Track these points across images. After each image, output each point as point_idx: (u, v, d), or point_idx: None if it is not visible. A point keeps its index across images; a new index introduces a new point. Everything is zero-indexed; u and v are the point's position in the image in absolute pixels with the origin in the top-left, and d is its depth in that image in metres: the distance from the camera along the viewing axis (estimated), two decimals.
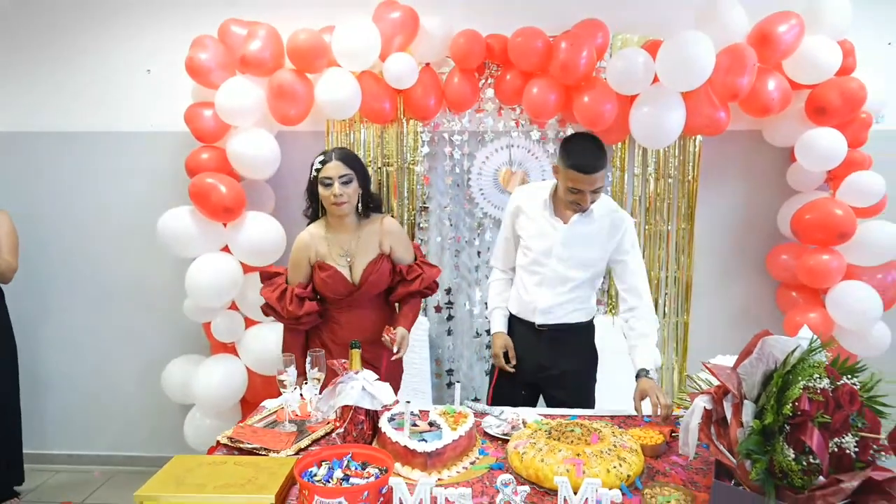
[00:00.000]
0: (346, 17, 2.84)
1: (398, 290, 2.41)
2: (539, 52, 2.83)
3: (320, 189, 2.28)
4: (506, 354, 2.37)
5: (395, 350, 2.29)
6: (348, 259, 2.33)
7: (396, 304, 2.51)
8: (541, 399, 2.49)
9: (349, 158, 2.28)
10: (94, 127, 3.39)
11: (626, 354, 2.49)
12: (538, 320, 2.32)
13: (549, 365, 2.34)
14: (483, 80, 3.13)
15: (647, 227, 3.23)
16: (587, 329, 2.41)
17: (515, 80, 2.96)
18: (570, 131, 3.15)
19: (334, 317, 2.39)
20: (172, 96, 3.22)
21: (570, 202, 2.18)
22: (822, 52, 2.70)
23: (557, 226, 2.25)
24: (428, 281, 2.42)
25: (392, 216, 2.50)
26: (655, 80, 2.77)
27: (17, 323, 3.13)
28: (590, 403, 2.40)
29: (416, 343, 3.25)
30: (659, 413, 1.97)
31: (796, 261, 2.90)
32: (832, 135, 2.74)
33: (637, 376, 2.15)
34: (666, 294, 3.28)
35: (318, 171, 2.27)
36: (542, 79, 2.88)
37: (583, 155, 2.09)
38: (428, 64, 3.04)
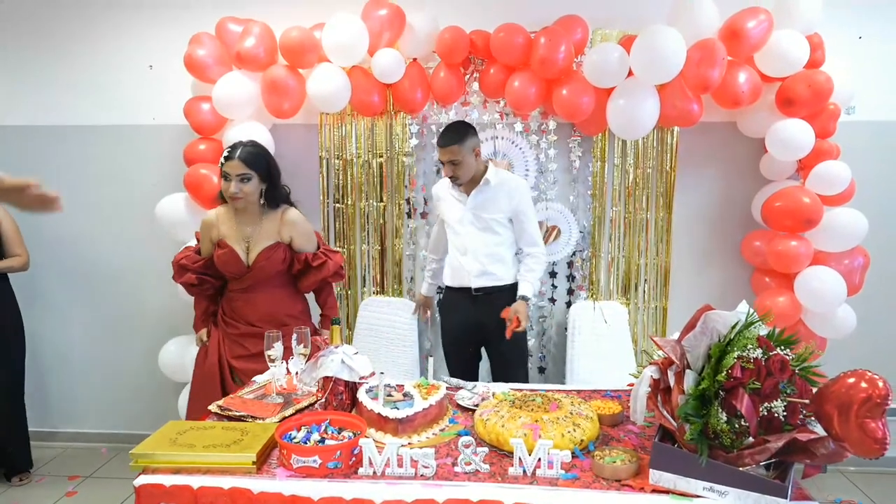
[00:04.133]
0: (335, 15, 2.98)
1: (309, 278, 2.62)
2: (520, 48, 2.96)
3: (223, 182, 2.47)
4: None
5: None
6: (247, 243, 2.53)
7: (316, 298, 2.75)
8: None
9: (251, 159, 2.45)
10: (99, 121, 3.55)
11: (598, 337, 2.80)
12: (473, 284, 2.84)
13: (487, 322, 2.80)
14: (468, 75, 3.26)
15: (626, 215, 3.36)
16: (513, 289, 2.84)
17: (498, 74, 3.09)
18: (551, 123, 3.28)
19: (233, 294, 2.61)
20: (173, 91, 3.37)
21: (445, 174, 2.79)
22: (790, 46, 2.80)
23: (463, 199, 2.84)
24: (335, 267, 2.64)
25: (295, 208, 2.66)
26: (631, 73, 2.89)
27: (26, 310, 3.31)
28: (524, 353, 2.99)
29: (404, 328, 3.40)
30: (509, 322, 2.62)
31: (767, 246, 3.01)
32: (800, 126, 2.85)
33: (517, 299, 2.74)
34: (645, 281, 3.40)
35: (221, 164, 2.46)
36: (523, 73, 3.00)
37: (441, 134, 2.74)
38: (415, 59, 3.17)
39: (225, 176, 2.46)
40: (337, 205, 3.46)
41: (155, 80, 3.48)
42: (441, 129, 2.79)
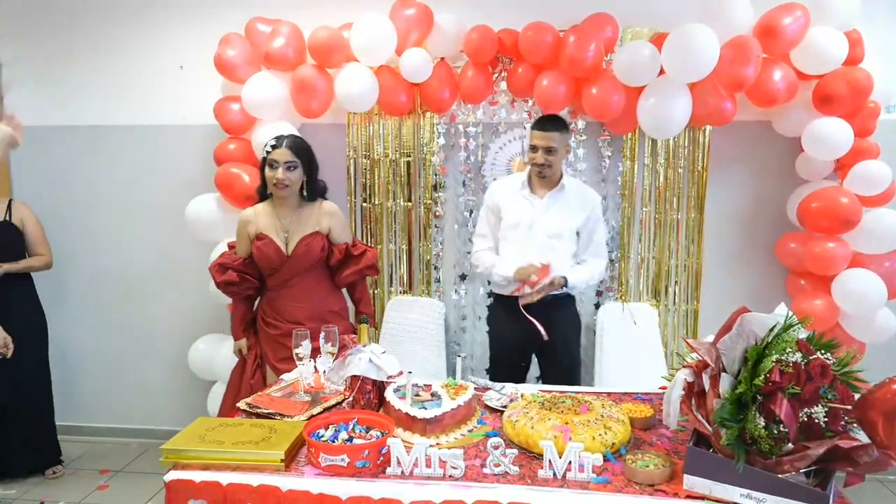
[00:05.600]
0: (363, 15, 2.99)
1: (345, 271, 2.63)
2: (549, 46, 2.93)
3: (266, 169, 2.51)
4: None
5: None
6: (286, 234, 2.56)
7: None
8: (538, 373, 2.84)
9: (298, 147, 2.53)
10: (131, 120, 3.60)
11: (627, 340, 2.74)
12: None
13: (538, 338, 2.55)
14: (496, 74, 3.23)
15: (656, 215, 3.31)
16: (569, 301, 2.75)
17: (527, 73, 3.06)
18: (580, 123, 3.25)
19: (272, 293, 2.62)
20: (203, 91, 3.40)
21: (532, 165, 2.65)
22: (828, 42, 2.73)
23: (535, 201, 2.69)
24: (373, 258, 2.68)
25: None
26: (662, 72, 2.85)
27: (53, 303, 3.38)
28: (576, 368, 2.82)
29: (431, 327, 3.39)
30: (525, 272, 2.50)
31: (803, 248, 2.94)
32: (839, 124, 2.78)
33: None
34: (676, 282, 3.34)
35: (267, 152, 2.49)
36: (551, 72, 2.97)
37: (541, 120, 2.66)
38: (443, 58, 3.16)
39: (271, 164, 2.50)
40: (364, 204, 3.47)
41: (185, 81, 3.53)
42: (536, 118, 2.72)
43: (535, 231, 2.66)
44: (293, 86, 3.06)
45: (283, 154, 2.48)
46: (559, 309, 2.69)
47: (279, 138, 2.53)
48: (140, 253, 3.70)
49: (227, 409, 2.67)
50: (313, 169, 2.59)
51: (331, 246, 2.61)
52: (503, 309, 2.73)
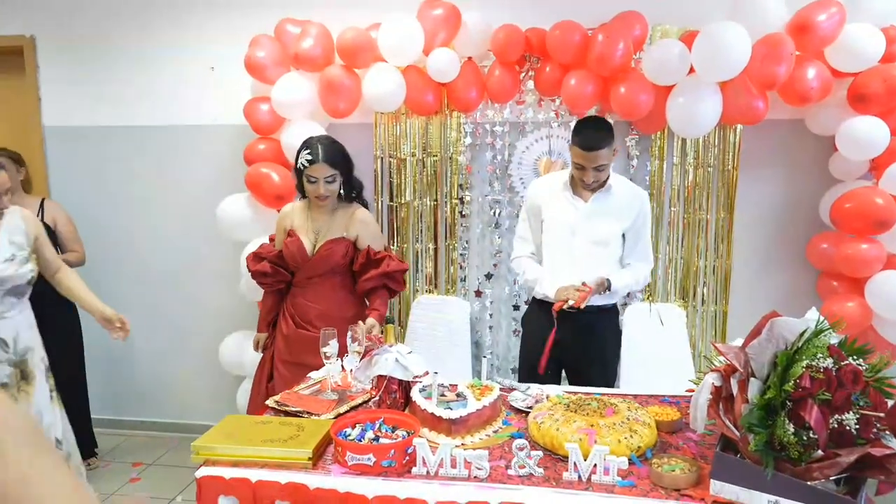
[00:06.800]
0: (391, 15, 3.00)
1: (364, 276, 2.58)
2: (576, 45, 2.91)
3: (306, 183, 2.50)
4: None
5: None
6: (315, 234, 2.58)
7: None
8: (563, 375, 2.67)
9: (335, 157, 2.48)
10: (163, 121, 3.68)
11: (654, 340, 2.66)
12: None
13: (577, 348, 2.46)
14: (524, 73, 3.23)
15: (685, 216, 3.27)
16: (613, 312, 2.56)
17: (554, 72, 3.05)
18: None
19: (295, 290, 2.65)
20: (234, 92, 3.44)
21: (578, 179, 2.43)
22: (864, 39, 2.67)
23: (578, 204, 2.47)
24: (394, 267, 2.57)
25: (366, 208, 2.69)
26: (692, 70, 2.81)
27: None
28: (612, 383, 2.56)
29: (457, 326, 3.40)
30: (565, 294, 2.31)
31: (836, 249, 2.88)
32: (874, 123, 2.71)
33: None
34: (704, 283, 3.30)
35: (304, 166, 2.46)
36: (579, 71, 2.96)
37: (585, 135, 2.32)
38: (470, 58, 3.16)
39: (309, 179, 2.48)
40: (391, 203, 3.49)
41: (216, 81, 3.58)
42: (577, 129, 2.35)
43: (579, 237, 2.45)
44: (321, 86, 3.09)
45: (321, 170, 2.46)
46: (599, 322, 2.50)
47: (314, 152, 2.46)
48: (172, 251, 3.77)
49: (253, 405, 2.72)
50: (350, 170, 2.58)
51: (355, 252, 2.61)
52: (538, 312, 2.55)
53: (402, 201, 3.47)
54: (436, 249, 3.50)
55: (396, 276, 2.63)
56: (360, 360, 2.09)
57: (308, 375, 2.37)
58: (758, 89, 2.77)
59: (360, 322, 2.46)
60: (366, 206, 2.70)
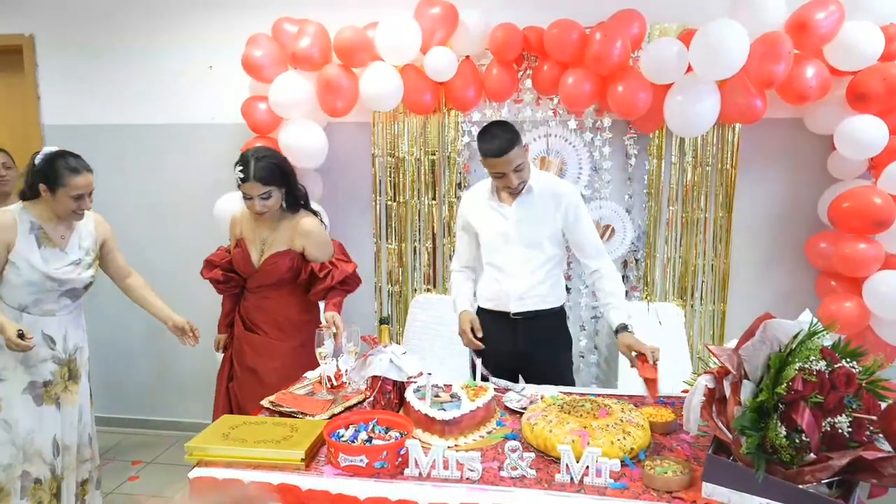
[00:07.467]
0: (389, 14, 3.00)
1: (316, 287, 2.56)
2: (574, 44, 2.90)
3: (243, 199, 2.46)
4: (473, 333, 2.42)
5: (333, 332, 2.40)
6: (262, 245, 2.55)
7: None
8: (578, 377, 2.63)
9: (267, 175, 2.39)
10: (161, 119, 3.68)
11: (652, 340, 2.59)
12: (513, 308, 2.41)
13: (526, 353, 2.42)
14: (521, 72, 3.22)
15: (683, 215, 3.26)
16: (559, 315, 2.50)
17: (552, 71, 3.04)
18: (606, 120, 3.21)
19: (247, 294, 2.64)
20: (232, 90, 3.45)
21: (503, 187, 2.33)
22: (863, 38, 2.66)
23: (504, 211, 2.39)
24: (339, 276, 2.54)
25: (317, 216, 2.64)
26: (690, 69, 2.80)
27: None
28: (565, 379, 2.49)
29: (455, 325, 3.38)
30: (652, 359, 2.08)
31: (834, 249, 2.87)
32: (873, 122, 2.70)
33: (617, 332, 2.28)
34: (703, 282, 3.30)
35: (238, 183, 2.42)
36: (577, 69, 2.95)
37: (490, 142, 2.24)
38: (468, 56, 3.15)
39: (244, 195, 2.44)
40: (389, 202, 3.48)
41: (214, 80, 3.58)
42: (480, 140, 2.27)
43: (512, 244, 2.39)
44: (319, 85, 3.08)
45: (253, 188, 2.39)
46: (550, 323, 2.46)
47: (245, 170, 2.38)
48: (169, 250, 3.78)
49: (217, 406, 2.74)
50: (289, 182, 2.49)
51: (303, 264, 2.56)
52: (484, 319, 2.47)
53: (400, 200, 3.47)
54: (434, 248, 3.50)
55: (347, 280, 2.59)
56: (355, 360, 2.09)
57: (303, 376, 2.37)
58: (756, 88, 2.76)
59: (322, 323, 2.45)
60: (314, 213, 2.64)
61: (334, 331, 2.33)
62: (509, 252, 2.40)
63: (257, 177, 2.38)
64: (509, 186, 2.30)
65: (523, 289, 2.40)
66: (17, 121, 3.85)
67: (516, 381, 2.35)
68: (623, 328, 2.27)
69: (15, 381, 2.39)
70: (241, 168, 2.41)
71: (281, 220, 2.55)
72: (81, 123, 3.75)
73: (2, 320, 2.25)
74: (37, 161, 2.37)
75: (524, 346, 2.43)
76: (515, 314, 2.41)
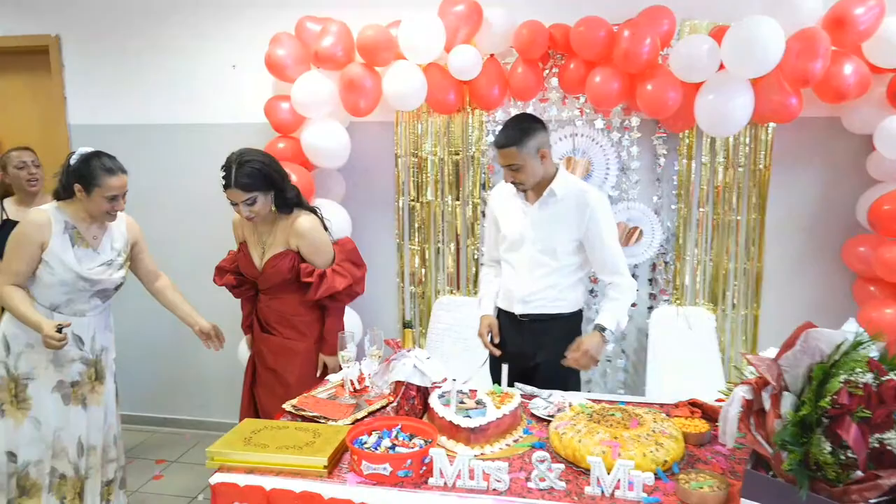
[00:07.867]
0: (412, 12, 2.96)
1: (308, 292, 2.48)
2: (601, 42, 2.83)
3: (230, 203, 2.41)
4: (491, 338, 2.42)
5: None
6: (262, 247, 2.51)
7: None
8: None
9: (247, 182, 2.31)
10: (185, 119, 3.69)
11: (682, 345, 2.53)
12: (517, 310, 2.37)
13: (529, 356, 2.36)
14: (547, 70, 3.16)
15: (714, 217, 3.17)
16: (571, 321, 2.40)
17: (579, 69, 2.98)
18: (634, 120, 3.14)
19: (260, 294, 2.61)
20: (255, 90, 3.44)
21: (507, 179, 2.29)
22: None
23: (527, 209, 2.33)
24: (325, 292, 2.43)
25: (315, 213, 2.56)
26: (722, 67, 2.72)
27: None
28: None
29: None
30: (569, 357, 2.17)
31: (873, 253, 2.77)
32: None
33: (593, 329, 2.27)
34: (735, 285, 3.21)
35: (223, 188, 2.38)
36: (605, 67, 2.88)
37: (500, 131, 2.23)
38: (492, 55, 3.10)
39: (230, 202, 2.40)
40: (412, 203, 3.45)
41: (237, 80, 3.57)
42: (501, 125, 2.28)
43: (527, 245, 2.32)
44: (342, 85, 3.05)
45: (234, 195, 2.34)
46: (558, 328, 2.36)
47: (227, 176, 2.33)
48: (193, 249, 3.77)
49: (243, 409, 2.73)
50: (277, 184, 2.40)
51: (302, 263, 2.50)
52: (502, 319, 2.47)
53: (424, 201, 3.43)
54: (457, 249, 3.45)
55: (337, 296, 2.50)
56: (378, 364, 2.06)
57: (326, 378, 2.34)
58: (791, 86, 2.67)
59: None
60: (312, 210, 2.56)
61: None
62: (522, 252, 2.35)
63: (238, 184, 2.32)
64: (507, 181, 2.28)
65: (528, 292, 2.35)
66: (44, 121, 3.88)
67: (523, 381, 2.27)
68: (599, 328, 2.25)
69: (45, 379, 2.40)
70: (224, 174, 2.35)
71: (276, 221, 2.50)
72: (107, 123, 3.77)
73: (38, 319, 2.26)
74: (72, 161, 2.37)
75: (528, 348, 2.37)
76: (522, 315, 2.38)
